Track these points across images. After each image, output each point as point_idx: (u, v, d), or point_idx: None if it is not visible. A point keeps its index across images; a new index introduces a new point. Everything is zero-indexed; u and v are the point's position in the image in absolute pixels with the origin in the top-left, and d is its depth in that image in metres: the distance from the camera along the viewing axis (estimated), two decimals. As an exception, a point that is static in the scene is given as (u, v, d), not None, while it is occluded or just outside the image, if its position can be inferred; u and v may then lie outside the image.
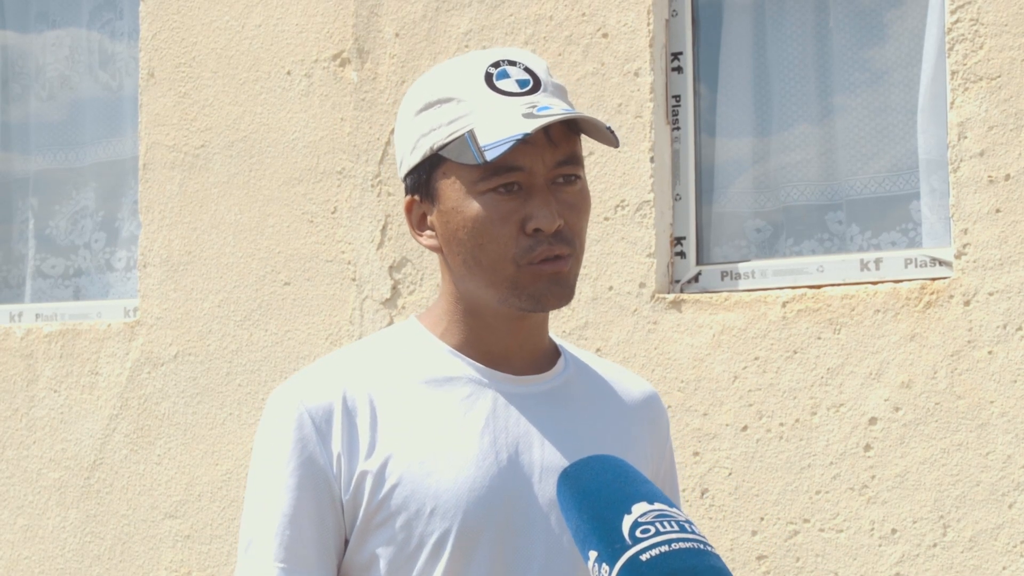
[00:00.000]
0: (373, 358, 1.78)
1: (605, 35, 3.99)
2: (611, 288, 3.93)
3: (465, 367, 1.77)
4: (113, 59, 5.23)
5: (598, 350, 3.90)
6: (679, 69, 3.99)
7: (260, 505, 1.72)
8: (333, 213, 4.40)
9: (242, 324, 4.55)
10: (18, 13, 5.45)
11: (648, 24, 3.93)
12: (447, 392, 1.75)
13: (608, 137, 1.73)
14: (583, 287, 3.95)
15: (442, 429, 1.73)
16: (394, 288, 4.28)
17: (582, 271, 3.96)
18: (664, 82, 3.97)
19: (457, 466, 1.70)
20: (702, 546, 1.45)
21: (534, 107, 1.70)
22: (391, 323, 4.27)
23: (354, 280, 4.35)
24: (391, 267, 4.29)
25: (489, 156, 1.67)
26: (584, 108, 3.99)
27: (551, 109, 1.69)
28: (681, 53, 4.00)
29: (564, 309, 3.95)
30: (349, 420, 1.71)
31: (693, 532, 1.46)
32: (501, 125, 1.68)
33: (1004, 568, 3.40)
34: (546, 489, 1.73)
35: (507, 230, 1.70)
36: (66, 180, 5.29)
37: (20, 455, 4.98)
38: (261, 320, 4.51)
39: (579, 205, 1.74)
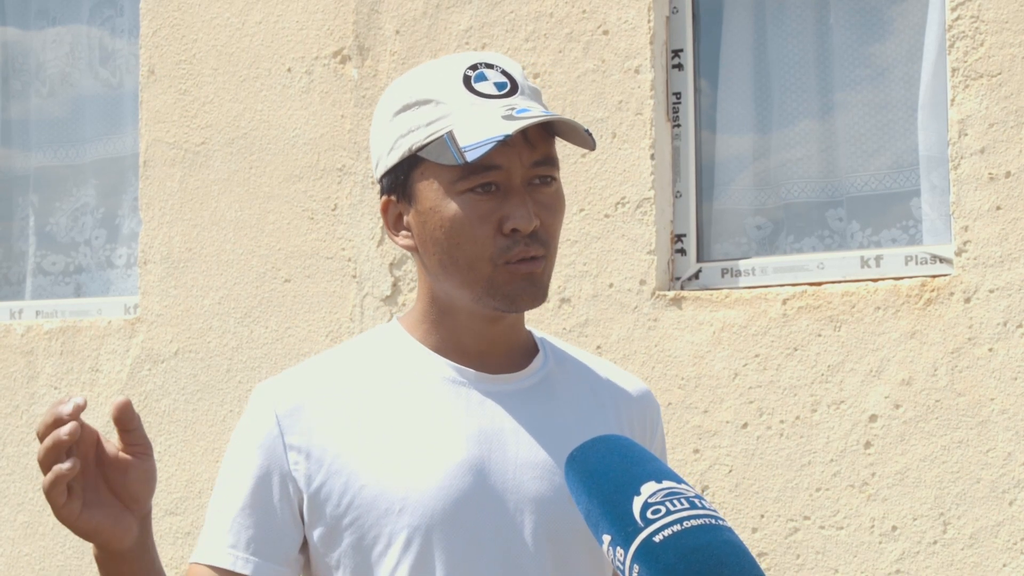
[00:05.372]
0: (352, 361, 1.81)
1: (605, 32, 3.99)
2: (611, 285, 3.92)
3: (442, 367, 1.79)
4: (113, 56, 5.22)
5: (598, 347, 3.90)
6: (680, 66, 3.99)
7: (221, 495, 1.77)
8: (334, 210, 4.40)
9: (242, 321, 4.55)
10: (19, 10, 5.45)
11: (649, 21, 3.93)
12: (422, 392, 1.77)
13: (585, 139, 1.75)
14: (583, 284, 3.95)
15: (414, 429, 1.74)
16: (394, 285, 4.27)
17: (582, 268, 3.97)
18: (665, 79, 3.97)
19: (427, 465, 1.72)
20: (714, 521, 1.45)
21: (513, 109, 1.72)
22: (391, 320, 4.27)
23: (354, 277, 4.35)
24: (391, 264, 4.28)
25: (470, 157, 1.68)
26: (584, 105, 3.99)
27: (529, 111, 1.71)
28: (682, 50, 4.00)
29: (565, 306, 3.95)
30: (318, 422, 1.74)
31: (704, 507, 1.47)
32: (481, 126, 1.70)
33: (1004, 565, 3.40)
34: (520, 486, 1.74)
35: (484, 230, 1.72)
36: (67, 177, 5.29)
37: (20, 452, 4.98)
38: (261, 317, 4.51)
39: (554, 206, 1.76)
